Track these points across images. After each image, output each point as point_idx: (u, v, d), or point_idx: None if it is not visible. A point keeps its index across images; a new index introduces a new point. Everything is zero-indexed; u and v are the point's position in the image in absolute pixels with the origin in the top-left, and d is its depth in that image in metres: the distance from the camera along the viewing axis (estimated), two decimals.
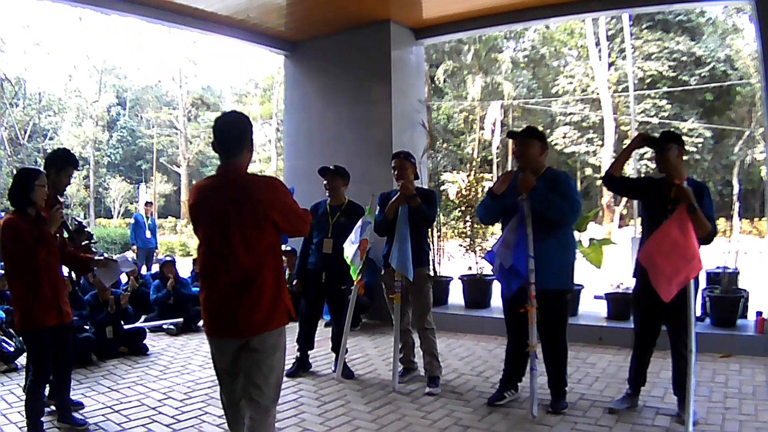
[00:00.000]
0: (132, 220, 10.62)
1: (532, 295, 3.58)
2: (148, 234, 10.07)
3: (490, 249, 4.02)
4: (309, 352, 4.82)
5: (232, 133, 2.58)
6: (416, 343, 4.58)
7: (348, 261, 4.38)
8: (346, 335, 4.61)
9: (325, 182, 4.70)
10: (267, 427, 2.50)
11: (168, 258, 7.28)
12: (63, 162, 3.93)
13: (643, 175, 4.22)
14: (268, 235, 2.50)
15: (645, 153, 24.58)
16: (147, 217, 10.28)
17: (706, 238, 3.31)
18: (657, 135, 3.68)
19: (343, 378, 4.57)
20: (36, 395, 3.40)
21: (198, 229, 2.60)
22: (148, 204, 10.94)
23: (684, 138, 3.79)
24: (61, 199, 3.94)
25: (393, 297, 4.29)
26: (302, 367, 4.74)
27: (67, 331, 3.62)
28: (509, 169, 4.06)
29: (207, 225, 2.54)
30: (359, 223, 4.44)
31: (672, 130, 3.91)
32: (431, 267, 4.70)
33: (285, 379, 4.09)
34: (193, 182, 36.52)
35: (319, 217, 4.67)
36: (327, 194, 4.74)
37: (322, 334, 5.68)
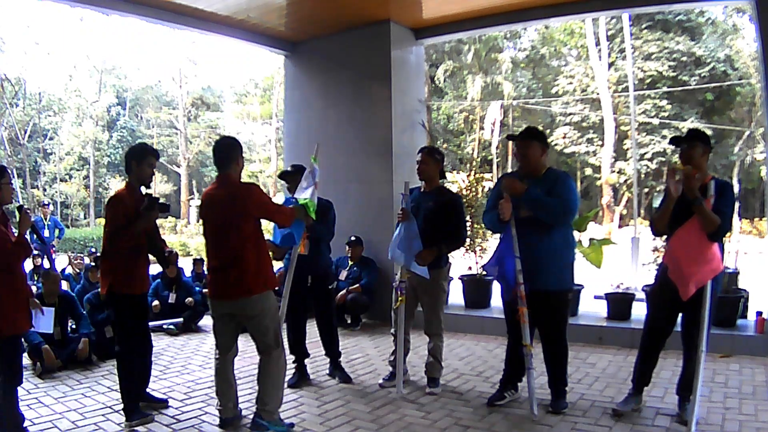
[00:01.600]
0: None
1: (523, 295, 3.58)
2: None
3: (487, 262, 3.98)
4: (306, 361, 4.64)
5: (222, 152, 3.52)
6: (410, 350, 4.55)
7: (305, 201, 3.98)
8: (305, 315, 4.52)
9: (288, 185, 4.52)
10: (273, 365, 3.49)
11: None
12: (143, 153, 3.81)
13: (658, 190, 4.20)
14: (248, 227, 3.41)
15: (645, 153, 24.69)
16: None
17: (714, 233, 3.24)
18: (682, 134, 3.65)
19: (340, 382, 4.51)
20: (11, 396, 3.34)
21: (203, 223, 3.61)
22: None
23: None
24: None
25: (400, 299, 4.15)
26: (303, 378, 4.54)
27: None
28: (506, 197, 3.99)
29: (207, 219, 3.56)
30: (308, 170, 4.19)
31: (698, 129, 3.87)
32: (448, 270, 4.45)
33: (285, 387, 4.16)
34: (193, 182, 36.54)
35: None
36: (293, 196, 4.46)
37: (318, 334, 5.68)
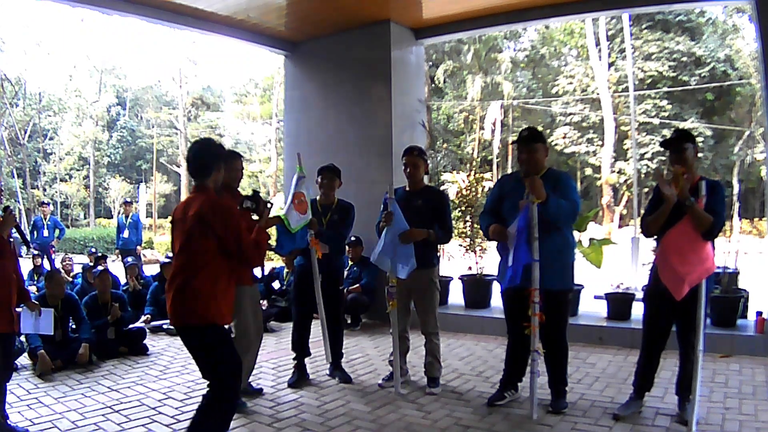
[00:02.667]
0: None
1: (540, 299, 3.53)
2: (126, 233, 9.94)
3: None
4: (306, 360, 4.63)
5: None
6: (410, 349, 4.55)
7: (282, 215, 4.03)
8: (322, 320, 4.48)
9: (324, 180, 4.53)
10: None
11: (167, 260, 7.26)
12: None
13: (652, 190, 4.13)
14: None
15: (645, 153, 24.69)
16: (126, 217, 10.14)
17: (707, 232, 3.24)
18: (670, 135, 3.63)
19: (340, 382, 4.51)
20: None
21: None
22: (125, 204, 10.76)
23: None
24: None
25: (390, 303, 4.15)
26: (302, 378, 4.53)
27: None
28: (503, 227, 4.02)
29: None
30: (294, 179, 4.26)
31: (685, 129, 3.85)
32: (439, 268, 4.45)
33: (285, 387, 4.35)
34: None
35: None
36: (321, 192, 4.58)
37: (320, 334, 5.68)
